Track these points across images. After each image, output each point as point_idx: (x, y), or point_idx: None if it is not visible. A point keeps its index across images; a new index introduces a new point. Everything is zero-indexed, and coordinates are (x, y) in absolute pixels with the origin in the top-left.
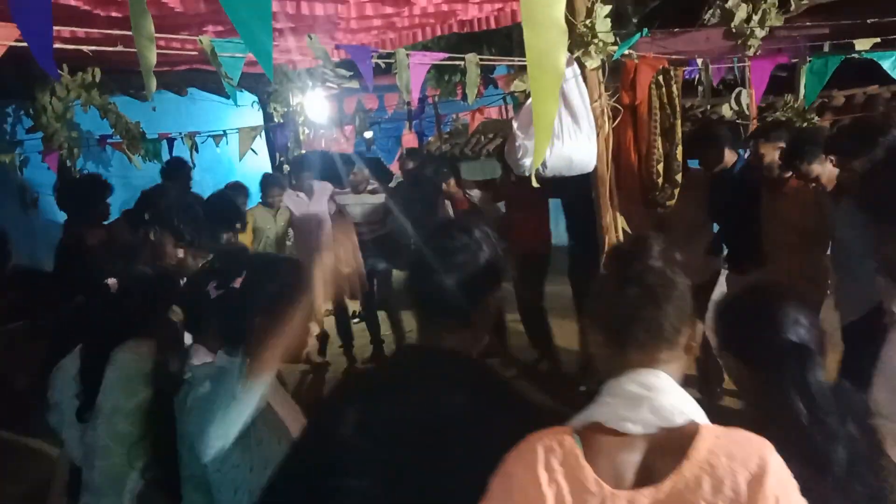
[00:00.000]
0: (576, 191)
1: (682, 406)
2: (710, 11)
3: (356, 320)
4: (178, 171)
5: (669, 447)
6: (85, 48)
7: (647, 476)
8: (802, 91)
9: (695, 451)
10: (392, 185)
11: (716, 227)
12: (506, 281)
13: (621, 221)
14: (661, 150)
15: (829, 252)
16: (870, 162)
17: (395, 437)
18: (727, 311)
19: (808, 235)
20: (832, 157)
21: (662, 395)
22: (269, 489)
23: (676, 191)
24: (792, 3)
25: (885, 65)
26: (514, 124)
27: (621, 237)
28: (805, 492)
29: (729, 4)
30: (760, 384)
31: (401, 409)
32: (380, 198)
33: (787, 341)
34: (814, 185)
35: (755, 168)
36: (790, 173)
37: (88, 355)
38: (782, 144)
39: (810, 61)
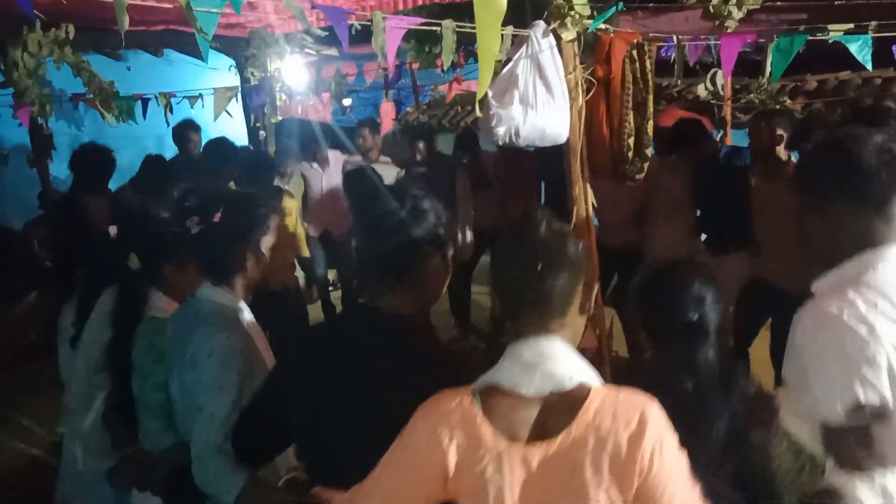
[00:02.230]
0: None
1: (572, 371)
2: None
3: (331, 289)
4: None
5: (562, 408)
6: None
7: (540, 433)
8: (769, 69)
9: (583, 412)
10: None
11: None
12: (447, 248)
13: (590, 194)
14: (632, 124)
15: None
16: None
17: (338, 386)
18: (640, 285)
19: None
20: None
21: (554, 361)
22: (236, 430)
23: (646, 165)
24: None
25: (853, 48)
26: (489, 93)
27: (590, 210)
28: (689, 458)
29: None
30: (656, 356)
31: (342, 361)
32: (391, 170)
33: (685, 320)
34: None
35: (753, 151)
36: (787, 158)
37: (84, 291)
38: (782, 131)
39: (777, 39)
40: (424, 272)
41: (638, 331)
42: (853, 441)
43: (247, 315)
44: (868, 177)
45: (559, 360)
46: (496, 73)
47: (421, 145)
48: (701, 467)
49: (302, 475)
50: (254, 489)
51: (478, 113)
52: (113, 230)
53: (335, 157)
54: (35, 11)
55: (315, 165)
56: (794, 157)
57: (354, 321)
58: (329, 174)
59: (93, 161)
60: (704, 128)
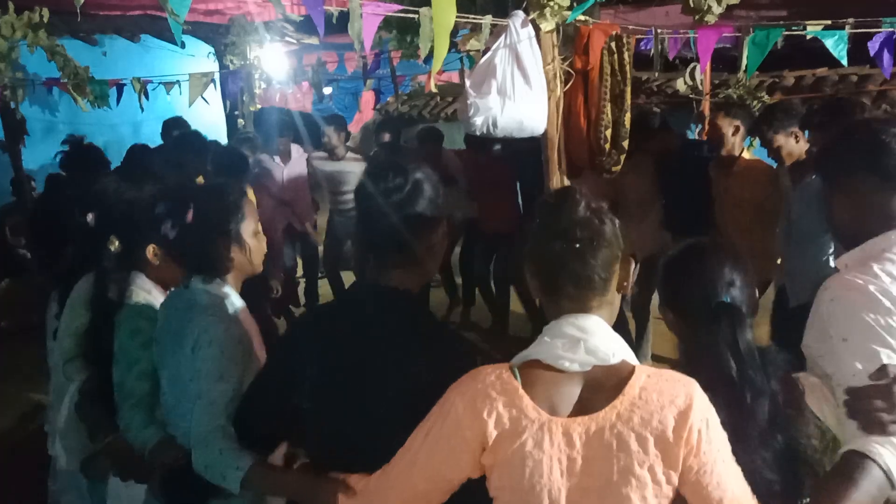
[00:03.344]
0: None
1: (615, 348)
2: None
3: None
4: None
5: (605, 384)
6: None
7: (582, 409)
8: (744, 62)
9: (629, 387)
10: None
11: None
12: (445, 222)
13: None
14: (609, 115)
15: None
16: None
17: (345, 366)
18: (667, 269)
19: (761, 213)
20: (797, 132)
21: (596, 337)
22: (238, 415)
23: (622, 157)
24: None
25: (829, 43)
26: (467, 82)
27: None
28: (731, 440)
29: None
30: (694, 339)
31: (352, 340)
32: (360, 166)
33: (721, 302)
34: (771, 156)
35: (710, 142)
36: (741, 151)
37: (63, 281)
38: (738, 122)
39: (753, 33)
40: (430, 246)
41: (665, 312)
42: (878, 402)
43: (239, 304)
44: (892, 155)
45: (602, 336)
46: (475, 64)
47: (386, 137)
48: (744, 449)
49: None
50: (262, 470)
51: (432, 88)
52: (90, 218)
53: (297, 152)
54: None
55: (276, 159)
56: (750, 151)
57: (365, 300)
58: (290, 167)
59: (88, 160)
60: (665, 121)
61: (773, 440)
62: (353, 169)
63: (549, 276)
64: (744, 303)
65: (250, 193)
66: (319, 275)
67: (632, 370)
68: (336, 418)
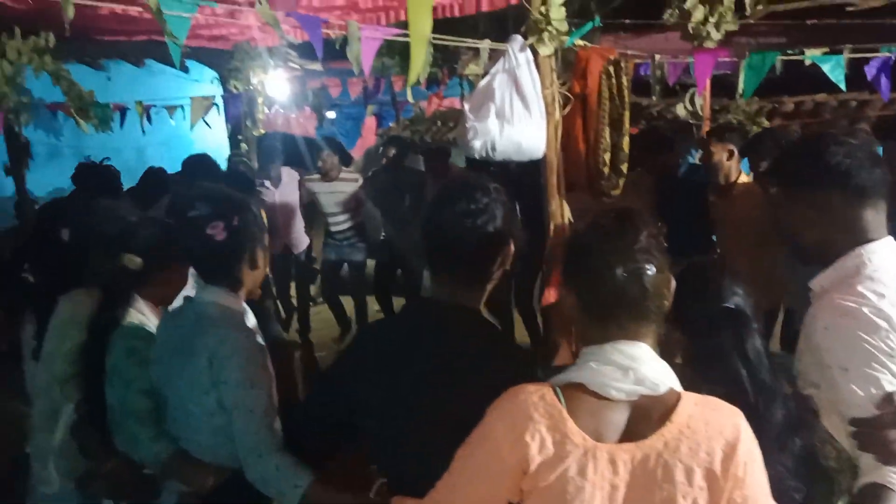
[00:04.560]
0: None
1: (663, 376)
2: (670, 12)
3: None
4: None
5: (651, 411)
6: None
7: (628, 437)
8: (741, 86)
9: (677, 415)
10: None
11: None
12: (516, 237)
13: (566, 209)
14: (608, 139)
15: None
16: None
17: (407, 383)
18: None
19: (763, 238)
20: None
21: (646, 365)
22: (289, 432)
23: (622, 180)
24: (748, 8)
25: (826, 67)
26: (466, 106)
27: (566, 224)
28: None
29: (687, 5)
30: (701, 350)
31: (413, 358)
32: (354, 186)
33: (726, 309)
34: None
35: (705, 168)
36: (737, 176)
37: (42, 299)
38: (732, 147)
39: (749, 56)
40: (502, 264)
41: (671, 331)
42: (890, 433)
43: (252, 320)
44: (852, 170)
45: (651, 365)
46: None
47: (391, 152)
48: (765, 457)
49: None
50: (321, 488)
51: (409, 98)
52: (65, 234)
53: (289, 175)
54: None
55: (267, 184)
56: (746, 173)
57: (434, 317)
58: (282, 191)
59: (100, 180)
60: (667, 141)
61: (791, 444)
62: (346, 189)
63: (604, 304)
64: (748, 308)
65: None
66: (313, 302)
67: (678, 397)
68: (403, 435)
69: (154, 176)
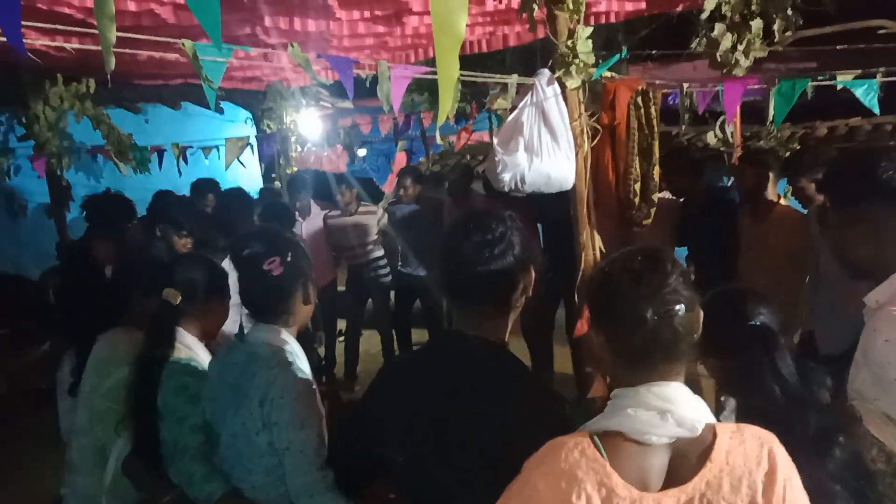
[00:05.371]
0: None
1: (701, 415)
2: (697, 40)
3: (341, 338)
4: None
5: (690, 451)
6: (67, 45)
7: (670, 480)
8: (771, 113)
9: (716, 452)
10: (384, 204)
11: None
12: (536, 265)
13: (598, 240)
14: (638, 169)
15: (807, 280)
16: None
17: (435, 416)
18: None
19: (791, 261)
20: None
21: (683, 407)
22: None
23: (653, 210)
24: (776, 34)
25: (858, 92)
26: (495, 140)
27: (598, 255)
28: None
29: (715, 34)
30: (734, 369)
31: (437, 393)
32: (369, 218)
33: (754, 327)
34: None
35: (740, 191)
36: (776, 199)
37: (82, 336)
38: (767, 170)
39: (778, 83)
40: (523, 294)
41: (705, 355)
42: None
43: (301, 353)
44: None
45: (687, 405)
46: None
47: (408, 182)
48: (807, 468)
49: None
50: None
51: (438, 141)
52: (108, 271)
53: (315, 209)
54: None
55: (297, 216)
56: (786, 199)
57: (455, 352)
58: (309, 224)
59: (106, 208)
60: (694, 163)
61: (832, 451)
62: (367, 222)
63: (636, 348)
64: (775, 325)
65: None
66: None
67: (714, 433)
68: (426, 472)
69: (163, 198)
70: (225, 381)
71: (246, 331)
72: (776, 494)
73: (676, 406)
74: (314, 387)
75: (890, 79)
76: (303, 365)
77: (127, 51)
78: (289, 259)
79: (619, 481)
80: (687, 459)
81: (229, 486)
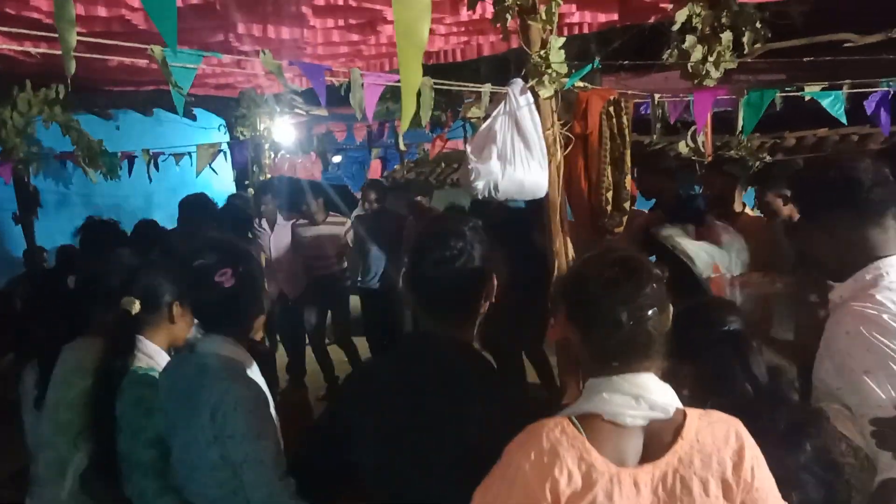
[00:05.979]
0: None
1: (671, 399)
2: (669, 52)
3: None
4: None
5: (662, 431)
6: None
7: (645, 457)
8: (741, 123)
9: (686, 431)
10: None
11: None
12: (497, 271)
13: (570, 248)
14: (610, 178)
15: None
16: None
17: (405, 414)
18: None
19: (763, 269)
20: (786, 195)
21: (654, 393)
22: (296, 470)
23: (625, 218)
24: (746, 46)
25: (825, 103)
26: (468, 148)
27: (570, 262)
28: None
29: (686, 45)
30: (707, 372)
31: (411, 391)
32: (337, 229)
33: (727, 332)
34: (775, 217)
35: (706, 199)
36: (742, 208)
37: (46, 348)
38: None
39: (747, 94)
40: (486, 298)
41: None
42: None
43: (253, 364)
44: (865, 190)
45: (659, 391)
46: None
47: (372, 195)
48: (780, 464)
49: None
50: None
51: (401, 147)
52: (71, 282)
53: (281, 219)
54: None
55: (264, 225)
56: (754, 210)
57: (424, 351)
58: (277, 235)
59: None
60: (667, 169)
61: (802, 443)
62: (333, 232)
63: (612, 349)
64: (743, 327)
65: None
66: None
67: (684, 415)
68: (399, 471)
69: (145, 228)
70: (175, 393)
71: (195, 341)
72: (745, 471)
73: (648, 392)
74: (267, 397)
75: (856, 90)
76: (255, 375)
77: (96, 56)
78: (241, 270)
79: (598, 457)
80: (660, 439)
81: (181, 501)
